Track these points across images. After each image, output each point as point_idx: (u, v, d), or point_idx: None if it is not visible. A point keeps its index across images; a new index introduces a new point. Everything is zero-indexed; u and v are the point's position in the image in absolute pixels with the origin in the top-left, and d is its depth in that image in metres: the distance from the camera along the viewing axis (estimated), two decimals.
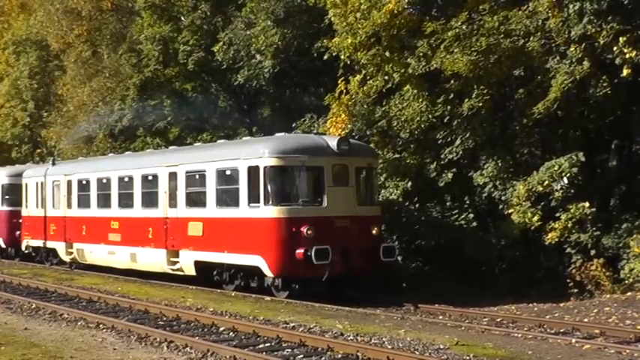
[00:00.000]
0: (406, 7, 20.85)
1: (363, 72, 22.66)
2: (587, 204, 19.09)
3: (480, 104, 20.46)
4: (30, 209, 31.37)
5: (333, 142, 19.64)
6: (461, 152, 21.79)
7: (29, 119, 47.73)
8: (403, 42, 21.59)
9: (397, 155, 23.71)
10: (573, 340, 13.62)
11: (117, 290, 21.40)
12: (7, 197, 33.88)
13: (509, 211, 20.30)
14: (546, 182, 19.37)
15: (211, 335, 14.43)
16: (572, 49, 18.54)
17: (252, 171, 19.32)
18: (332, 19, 22.82)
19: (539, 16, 19.08)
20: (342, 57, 22.58)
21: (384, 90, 22.66)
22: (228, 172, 20.34)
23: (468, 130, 21.49)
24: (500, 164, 21.13)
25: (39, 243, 30.64)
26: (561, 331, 14.87)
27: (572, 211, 19.10)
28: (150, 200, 23.55)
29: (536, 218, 19.53)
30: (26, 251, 31.87)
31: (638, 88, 19.55)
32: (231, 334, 14.47)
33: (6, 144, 50.68)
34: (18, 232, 32.55)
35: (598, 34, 17.81)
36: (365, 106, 23.22)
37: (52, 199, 29.62)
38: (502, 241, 21.80)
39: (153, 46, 31.87)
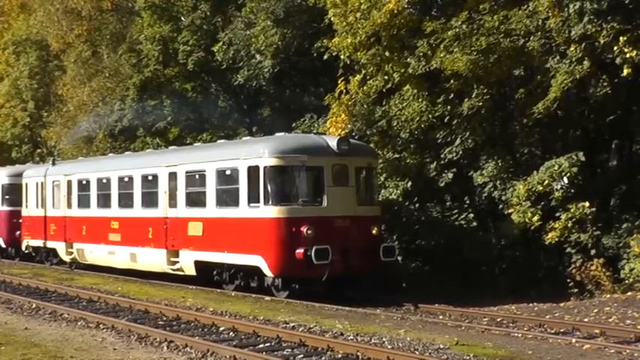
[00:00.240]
0: (406, 6, 20.85)
1: (363, 72, 22.66)
2: (587, 204, 19.08)
3: (480, 104, 20.48)
4: (30, 209, 31.36)
5: (333, 142, 19.63)
6: (461, 152, 21.79)
7: (29, 119, 47.68)
8: (403, 42, 21.59)
9: (397, 155, 23.68)
10: (573, 340, 13.61)
11: (117, 290, 21.39)
12: (7, 197, 33.88)
13: (509, 210, 20.29)
14: (546, 182, 19.36)
15: (211, 335, 14.42)
16: (572, 48, 18.53)
17: (252, 171, 19.31)
18: (332, 18, 22.81)
19: (539, 16, 19.07)
20: (342, 57, 22.58)
21: (384, 90, 22.66)
22: (228, 172, 20.34)
23: (468, 130, 21.50)
24: (500, 164, 21.12)
25: (39, 243, 30.64)
26: (561, 331, 14.86)
27: (572, 210, 19.10)
28: (150, 200, 23.56)
29: (536, 218, 19.53)
30: (26, 251, 31.87)
31: (638, 87, 19.54)
32: (231, 334, 14.46)
33: (6, 144, 50.64)
34: (18, 232, 32.54)
35: (598, 33, 17.79)
36: (365, 106, 23.20)
37: (52, 199, 29.62)
38: (502, 241, 21.80)
39: (153, 46, 31.88)
